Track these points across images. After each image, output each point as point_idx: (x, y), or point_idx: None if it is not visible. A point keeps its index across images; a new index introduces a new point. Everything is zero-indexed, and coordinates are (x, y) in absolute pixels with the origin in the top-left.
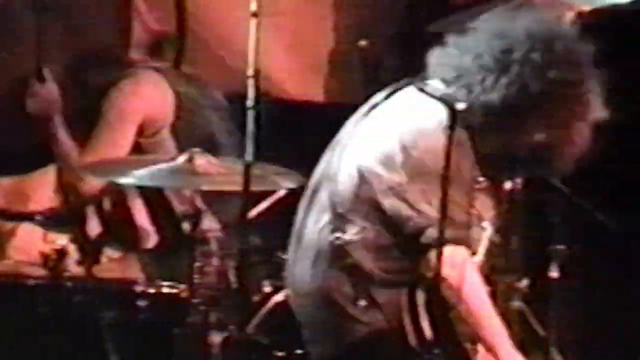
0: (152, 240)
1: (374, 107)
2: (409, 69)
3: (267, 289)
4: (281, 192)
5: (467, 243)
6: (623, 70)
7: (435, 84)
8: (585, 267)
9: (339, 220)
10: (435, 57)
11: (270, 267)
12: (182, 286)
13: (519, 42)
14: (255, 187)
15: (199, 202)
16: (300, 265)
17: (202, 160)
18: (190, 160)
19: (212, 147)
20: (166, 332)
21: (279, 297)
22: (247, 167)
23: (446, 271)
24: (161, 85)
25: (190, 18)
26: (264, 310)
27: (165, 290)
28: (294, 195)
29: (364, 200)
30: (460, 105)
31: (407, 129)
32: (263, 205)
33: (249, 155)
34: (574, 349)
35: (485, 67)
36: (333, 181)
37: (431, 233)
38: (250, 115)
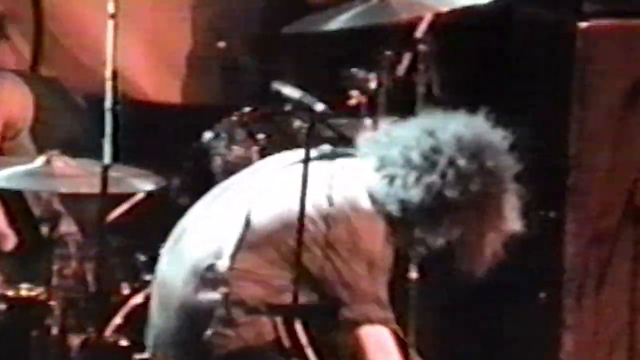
0: (10, 242)
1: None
2: (266, 70)
3: (126, 291)
4: (140, 195)
5: (393, 325)
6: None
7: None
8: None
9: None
10: (364, 141)
11: (128, 269)
12: (41, 289)
13: (448, 144)
14: (113, 190)
15: (57, 205)
16: (174, 272)
17: (60, 163)
18: (48, 162)
19: (70, 150)
20: (24, 335)
21: (137, 299)
22: (105, 169)
23: (372, 355)
24: (20, 88)
25: (48, 19)
26: (123, 312)
27: (23, 292)
28: (153, 197)
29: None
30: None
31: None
32: (122, 207)
33: (107, 157)
34: (434, 351)
35: (410, 163)
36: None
37: (354, 310)
38: (109, 117)
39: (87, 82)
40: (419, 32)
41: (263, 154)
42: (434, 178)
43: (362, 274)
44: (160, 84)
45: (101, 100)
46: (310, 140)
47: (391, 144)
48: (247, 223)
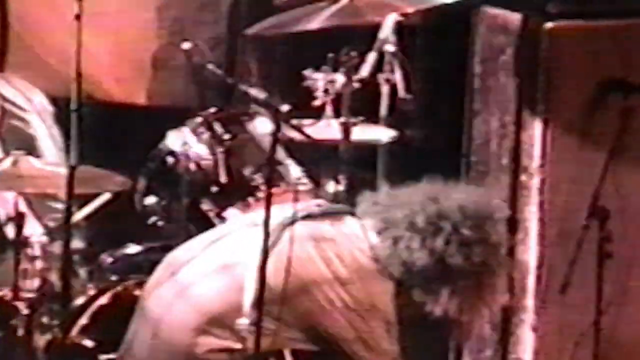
0: None
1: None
2: (232, 71)
3: (92, 291)
4: (106, 196)
5: None
6: None
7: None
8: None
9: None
10: (365, 201)
11: (94, 270)
12: (6, 289)
13: (452, 211)
14: (79, 190)
15: (23, 206)
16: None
17: (27, 164)
18: (14, 163)
19: (36, 151)
20: None
21: (103, 300)
22: (72, 170)
23: None
24: None
25: (14, 20)
26: (89, 312)
27: None
28: (119, 199)
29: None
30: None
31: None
32: (88, 209)
33: (73, 158)
34: None
35: (415, 227)
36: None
37: None
38: (74, 118)
39: (53, 83)
40: (384, 33)
41: (228, 154)
42: (438, 243)
43: (382, 334)
44: (126, 84)
45: (68, 101)
46: (276, 141)
47: (395, 206)
48: (262, 281)
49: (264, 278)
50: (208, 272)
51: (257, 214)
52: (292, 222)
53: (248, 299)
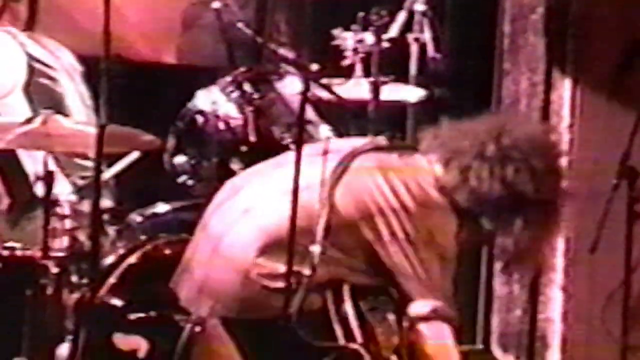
0: (4, 202)
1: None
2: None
3: (121, 251)
4: (135, 154)
5: (455, 323)
6: None
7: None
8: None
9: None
10: (428, 137)
11: (123, 229)
12: (36, 248)
13: (521, 141)
14: (108, 149)
15: (52, 165)
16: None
17: (56, 123)
18: (44, 122)
19: (64, 110)
20: (19, 294)
21: (132, 260)
22: (101, 129)
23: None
24: (9, 46)
25: None
26: (117, 272)
27: (18, 252)
28: (148, 158)
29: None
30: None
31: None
32: (117, 167)
33: (102, 117)
34: None
35: (484, 156)
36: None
37: (424, 306)
38: (103, 77)
39: (83, 42)
40: None
41: (257, 114)
42: (508, 172)
43: (436, 270)
44: (155, 43)
45: (97, 60)
46: (305, 100)
47: (459, 137)
48: (332, 207)
49: (295, 224)
50: (273, 194)
51: (323, 143)
52: (361, 152)
53: (319, 225)
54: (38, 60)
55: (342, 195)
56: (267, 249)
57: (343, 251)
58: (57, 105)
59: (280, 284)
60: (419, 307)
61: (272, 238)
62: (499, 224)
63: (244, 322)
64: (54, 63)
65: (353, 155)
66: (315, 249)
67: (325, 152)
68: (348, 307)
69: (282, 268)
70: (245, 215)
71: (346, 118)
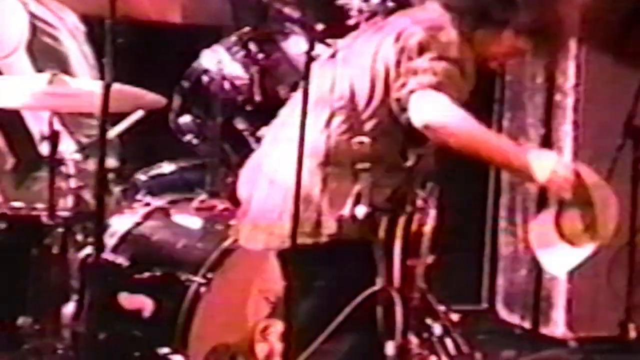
0: (8, 162)
1: None
2: None
3: (136, 219)
4: (139, 113)
5: None
6: None
7: None
8: None
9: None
10: None
11: (128, 188)
12: (41, 208)
13: None
14: (114, 109)
15: (57, 124)
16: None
17: (61, 82)
18: (49, 82)
19: (68, 69)
20: (24, 254)
21: (136, 219)
22: (106, 89)
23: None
24: (11, 4)
25: None
26: (122, 231)
27: (23, 212)
28: (153, 117)
29: None
30: None
31: None
32: (122, 125)
33: (107, 77)
34: None
35: None
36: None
37: None
38: (108, 36)
39: (87, 3)
40: None
41: (262, 73)
42: None
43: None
44: (160, 2)
45: (100, 19)
46: (311, 60)
47: None
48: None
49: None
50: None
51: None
52: None
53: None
54: (41, 19)
55: None
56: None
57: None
58: (61, 65)
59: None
60: None
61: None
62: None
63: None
64: (57, 23)
65: None
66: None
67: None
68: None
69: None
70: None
71: None
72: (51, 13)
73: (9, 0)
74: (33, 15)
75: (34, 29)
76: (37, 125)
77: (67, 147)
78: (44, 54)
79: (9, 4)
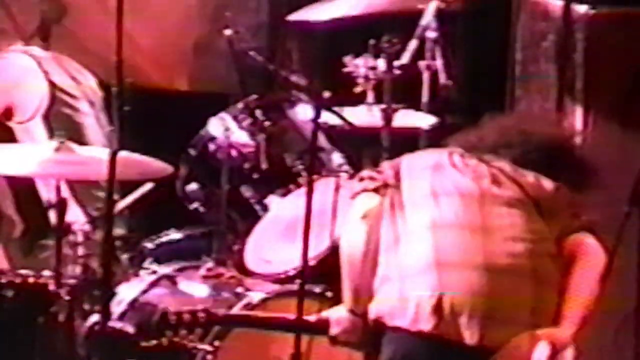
0: (17, 228)
1: None
2: (273, 58)
3: (143, 286)
4: (148, 185)
5: None
6: None
7: None
8: None
9: None
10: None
11: (135, 256)
12: (48, 275)
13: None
14: (121, 176)
15: (66, 192)
16: None
17: (68, 150)
18: (57, 149)
19: (83, 139)
20: (31, 322)
21: (144, 287)
22: (113, 155)
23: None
24: (33, 73)
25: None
26: (129, 299)
27: (30, 280)
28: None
29: None
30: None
31: None
32: (130, 198)
33: (114, 144)
34: None
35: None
36: None
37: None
38: (115, 104)
39: (95, 70)
40: (425, 19)
41: (269, 141)
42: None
43: None
44: (167, 70)
45: (109, 88)
46: (317, 128)
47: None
48: None
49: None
50: None
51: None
52: None
53: None
54: (60, 89)
55: None
56: None
57: None
58: (76, 134)
59: None
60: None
61: None
62: None
63: None
64: (76, 91)
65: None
66: None
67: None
68: None
69: None
70: None
71: (359, 145)
72: (71, 79)
73: (32, 69)
74: (53, 85)
75: (52, 98)
76: (47, 192)
77: (77, 216)
78: (60, 122)
79: (31, 72)
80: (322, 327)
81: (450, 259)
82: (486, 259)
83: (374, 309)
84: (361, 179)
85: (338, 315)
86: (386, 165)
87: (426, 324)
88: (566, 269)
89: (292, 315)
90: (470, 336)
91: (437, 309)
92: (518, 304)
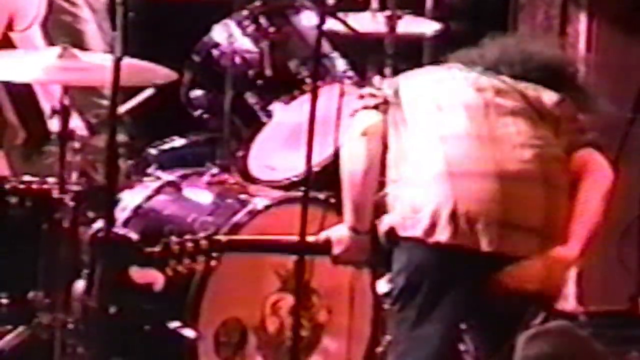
0: (19, 136)
1: None
2: None
3: (148, 192)
4: (149, 91)
5: None
6: None
7: None
8: None
9: None
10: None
11: (138, 163)
12: (52, 182)
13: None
14: (124, 83)
15: (67, 99)
16: None
17: (72, 57)
18: (60, 56)
19: (84, 46)
20: (35, 228)
21: (147, 192)
22: (117, 62)
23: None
24: None
25: None
26: (132, 206)
27: (34, 186)
28: (163, 92)
29: None
30: None
31: None
32: (132, 101)
33: (118, 50)
34: None
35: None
36: None
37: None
38: (119, 10)
39: None
40: None
41: (273, 47)
42: None
43: None
44: None
45: None
46: (322, 34)
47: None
48: None
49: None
50: None
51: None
52: None
53: None
54: None
55: None
56: None
57: None
58: (77, 42)
59: None
60: None
61: None
62: None
63: None
64: None
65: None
66: None
67: None
68: None
69: None
70: None
71: (363, 52)
72: None
73: None
74: None
75: (50, 5)
76: (48, 101)
77: (77, 123)
78: (59, 30)
79: None
80: (324, 248)
81: (462, 168)
82: (497, 166)
83: (386, 221)
84: (361, 97)
85: (339, 234)
86: (385, 84)
87: (442, 234)
88: (573, 187)
89: (295, 238)
90: (486, 244)
91: (452, 218)
92: (531, 208)
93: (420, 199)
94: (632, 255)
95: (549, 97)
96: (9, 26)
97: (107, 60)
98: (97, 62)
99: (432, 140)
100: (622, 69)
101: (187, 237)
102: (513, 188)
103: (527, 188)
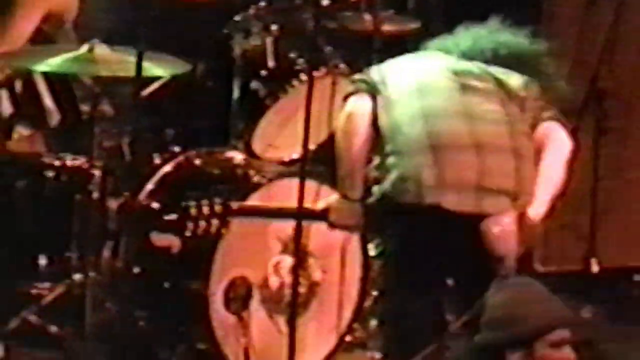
0: (55, 119)
1: None
2: None
3: (157, 160)
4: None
5: None
6: None
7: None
8: None
9: None
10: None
11: (159, 143)
12: (83, 159)
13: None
14: (146, 74)
15: (97, 87)
16: None
17: (101, 50)
18: (90, 50)
19: (110, 38)
20: (69, 199)
21: (166, 168)
22: (140, 56)
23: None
24: None
25: None
26: (154, 179)
27: (68, 162)
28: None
29: None
30: None
31: None
32: (153, 86)
33: (140, 45)
34: None
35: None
36: None
37: None
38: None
39: None
40: None
41: (276, 43)
42: None
43: None
44: None
45: None
46: (318, 31)
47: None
48: None
49: None
50: None
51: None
52: None
53: None
54: None
55: None
56: None
57: None
58: (104, 34)
59: None
60: None
61: None
62: None
63: None
64: None
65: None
66: None
67: None
68: None
69: None
70: None
71: (353, 47)
72: None
73: None
74: None
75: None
76: (80, 87)
77: (106, 107)
78: (89, 24)
79: None
80: (321, 214)
81: (443, 141)
82: (474, 140)
83: (378, 189)
84: (353, 81)
85: (334, 202)
86: (374, 70)
87: (427, 199)
88: (537, 156)
89: (297, 205)
90: (465, 205)
91: (437, 184)
92: (504, 175)
93: (408, 169)
94: (585, 222)
95: (516, 80)
96: (47, 22)
97: (132, 54)
98: (122, 56)
99: (415, 117)
100: (576, 61)
101: (204, 202)
102: (487, 157)
103: (500, 158)
